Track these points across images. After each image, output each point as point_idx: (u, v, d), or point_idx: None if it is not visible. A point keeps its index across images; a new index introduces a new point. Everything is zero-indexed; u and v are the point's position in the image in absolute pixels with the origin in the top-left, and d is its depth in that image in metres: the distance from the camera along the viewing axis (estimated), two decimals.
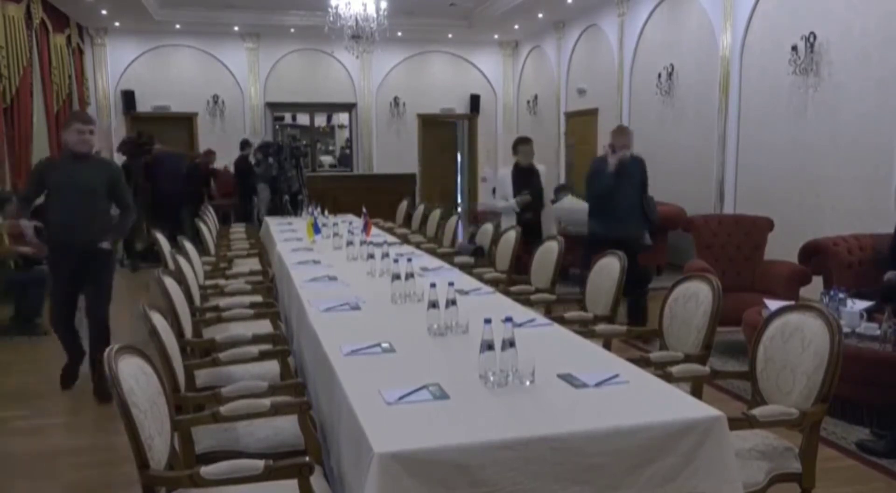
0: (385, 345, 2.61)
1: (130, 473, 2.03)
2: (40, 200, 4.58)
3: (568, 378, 2.23)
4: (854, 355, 3.68)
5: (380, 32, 9.42)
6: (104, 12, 10.81)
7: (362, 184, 12.01)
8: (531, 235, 5.71)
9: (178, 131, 12.53)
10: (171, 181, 9.81)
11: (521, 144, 6.44)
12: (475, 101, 14.10)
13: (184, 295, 3.61)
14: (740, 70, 7.74)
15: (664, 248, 8.06)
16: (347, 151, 14.65)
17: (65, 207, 4.33)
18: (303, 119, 14.63)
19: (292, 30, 12.48)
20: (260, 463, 1.98)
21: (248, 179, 10.92)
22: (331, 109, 14.44)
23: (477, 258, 6.12)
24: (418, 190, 12.46)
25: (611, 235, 5.25)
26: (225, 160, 11.65)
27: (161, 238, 5.14)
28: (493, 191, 8.97)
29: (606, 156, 5.53)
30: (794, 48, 6.76)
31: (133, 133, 10.96)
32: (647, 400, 2.09)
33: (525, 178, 6.31)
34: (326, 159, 15.14)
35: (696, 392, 2.67)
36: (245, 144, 11.14)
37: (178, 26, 12.04)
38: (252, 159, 10.89)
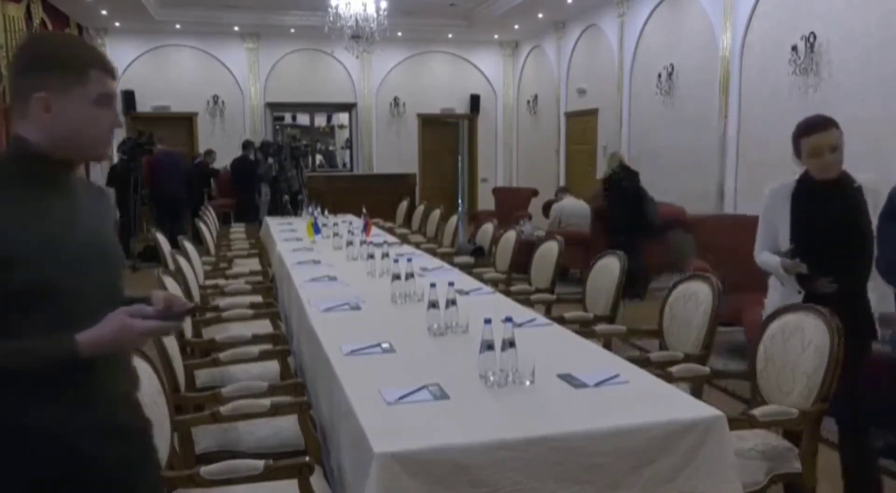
0: (385, 345, 2.61)
1: None
2: None
3: (568, 378, 2.23)
4: None
5: (380, 32, 9.41)
6: (104, 12, 10.80)
7: (362, 184, 11.99)
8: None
9: (178, 131, 12.51)
10: (172, 181, 9.82)
11: (815, 131, 2.97)
12: (475, 101, 14.08)
13: (184, 295, 3.61)
14: (740, 70, 7.73)
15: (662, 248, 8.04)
16: (346, 149, 14.61)
17: None
18: (303, 119, 14.62)
19: (292, 30, 12.46)
20: (260, 463, 1.98)
21: (247, 179, 10.93)
22: (331, 109, 14.42)
23: (477, 258, 6.13)
24: (418, 190, 12.44)
25: None
26: (225, 160, 11.65)
27: (161, 238, 5.14)
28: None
29: None
30: (794, 48, 6.76)
31: (134, 133, 10.95)
32: (647, 400, 2.09)
33: (825, 207, 2.99)
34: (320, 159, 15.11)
35: (696, 392, 2.68)
36: (247, 145, 11.15)
37: (178, 26, 12.02)
38: (252, 158, 10.92)
